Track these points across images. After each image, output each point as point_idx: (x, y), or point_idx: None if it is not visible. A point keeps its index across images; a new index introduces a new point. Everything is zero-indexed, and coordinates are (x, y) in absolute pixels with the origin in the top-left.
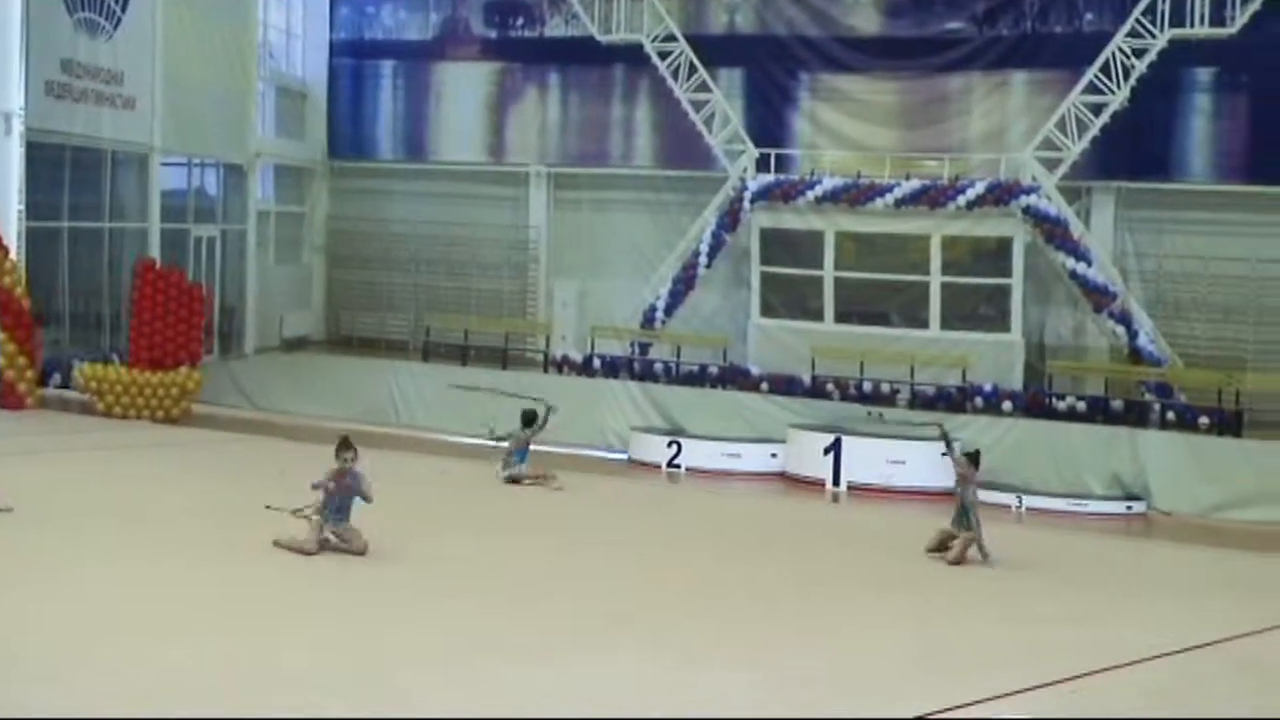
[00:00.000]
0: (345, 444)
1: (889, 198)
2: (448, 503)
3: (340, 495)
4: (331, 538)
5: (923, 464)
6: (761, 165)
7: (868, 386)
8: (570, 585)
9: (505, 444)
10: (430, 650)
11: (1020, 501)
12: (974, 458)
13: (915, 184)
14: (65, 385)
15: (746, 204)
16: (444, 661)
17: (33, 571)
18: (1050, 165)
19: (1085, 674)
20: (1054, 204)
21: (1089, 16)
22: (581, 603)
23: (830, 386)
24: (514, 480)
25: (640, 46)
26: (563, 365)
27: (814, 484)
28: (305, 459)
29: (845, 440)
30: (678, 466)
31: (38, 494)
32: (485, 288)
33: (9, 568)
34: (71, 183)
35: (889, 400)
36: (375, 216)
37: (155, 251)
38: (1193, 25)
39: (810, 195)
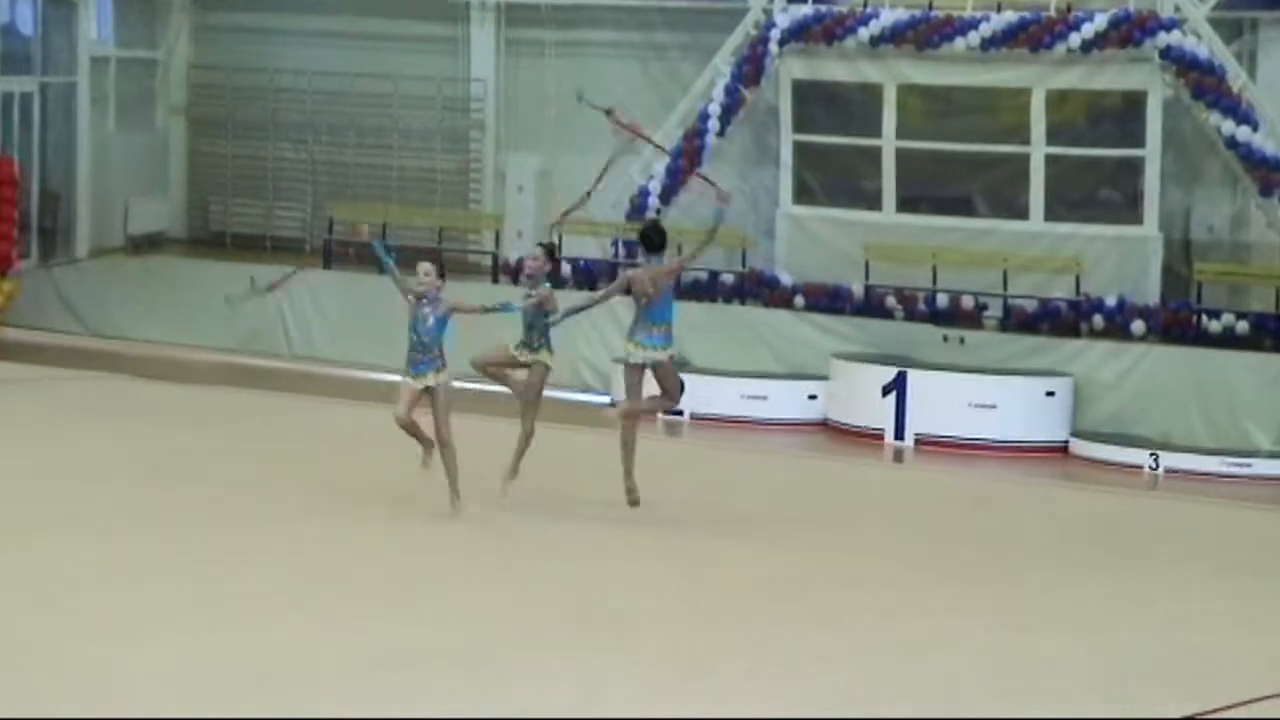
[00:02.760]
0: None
1: (973, 36)
2: (373, 466)
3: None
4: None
5: (1021, 407)
6: None
7: (942, 300)
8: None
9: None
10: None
11: (1156, 461)
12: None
13: (1010, 16)
14: None
15: (773, 47)
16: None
17: None
18: None
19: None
20: (1205, 44)
21: None
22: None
23: (891, 301)
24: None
25: None
26: (518, 272)
27: (868, 436)
28: (169, 403)
29: (912, 376)
30: (680, 414)
31: None
32: (410, 165)
33: None
34: None
35: (973, 319)
36: (256, 65)
37: None
38: None
39: (863, 33)
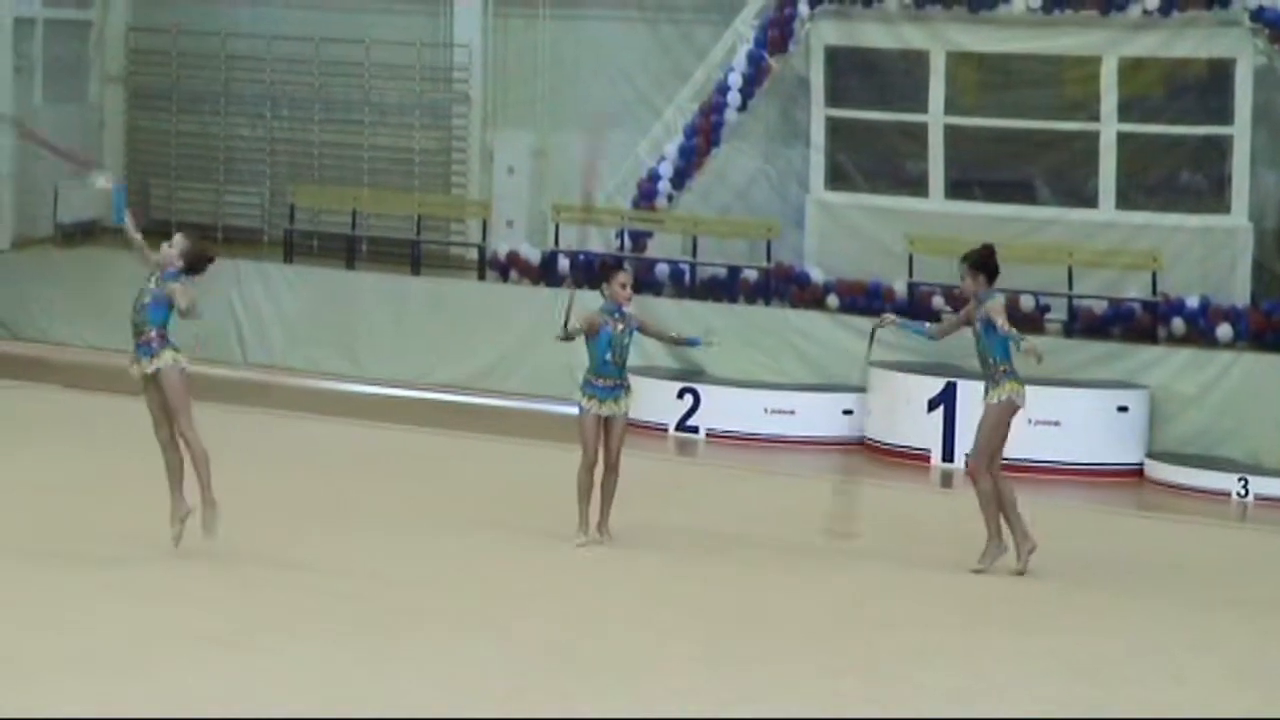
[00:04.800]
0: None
1: None
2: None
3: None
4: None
5: (1089, 424)
6: None
7: None
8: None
9: None
10: None
11: (1245, 487)
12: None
13: None
14: None
15: (803, 8)
16: None
17: None
18: None
19: None
20: None
21: None
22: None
23: (938, 300)
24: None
25: None
26: (509, 267)
27: (912, 457)
28: (103, 417)
29: (962, 388)
30: (694, 430)
31: None
32: (385, 144)
33: None
34: None
35: (1034, 321)
36: (206, 27)
37: None
38: None
39: None
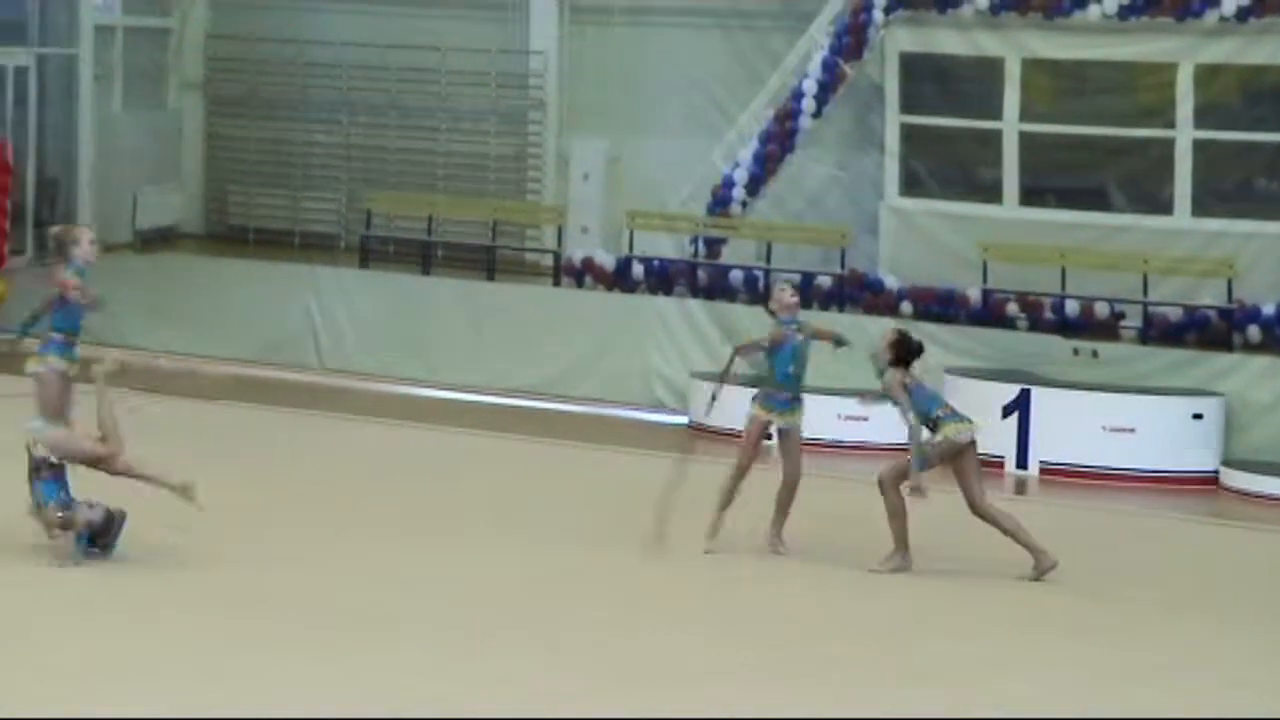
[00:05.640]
0: None
1: (1108, 3)
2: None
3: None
4: None
5: (1163, 431)
6: None
7: (1072, 308)
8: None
9: None
10: None
11: None
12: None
13: None
14: None
15: (878, 15)
16: None
17: None
18: None
19: None
20: None
21: None
22: None
23: (1012, 307)
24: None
25: None
26: (583, 273)
27: (986, 464)
28: (179, 422)
29: (1036, 394)
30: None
31: None
32: (460, 151)
33: None
34: None
35: (1108, 329)
36: (283, 35)
37: None
38: None
39: (981, 0)
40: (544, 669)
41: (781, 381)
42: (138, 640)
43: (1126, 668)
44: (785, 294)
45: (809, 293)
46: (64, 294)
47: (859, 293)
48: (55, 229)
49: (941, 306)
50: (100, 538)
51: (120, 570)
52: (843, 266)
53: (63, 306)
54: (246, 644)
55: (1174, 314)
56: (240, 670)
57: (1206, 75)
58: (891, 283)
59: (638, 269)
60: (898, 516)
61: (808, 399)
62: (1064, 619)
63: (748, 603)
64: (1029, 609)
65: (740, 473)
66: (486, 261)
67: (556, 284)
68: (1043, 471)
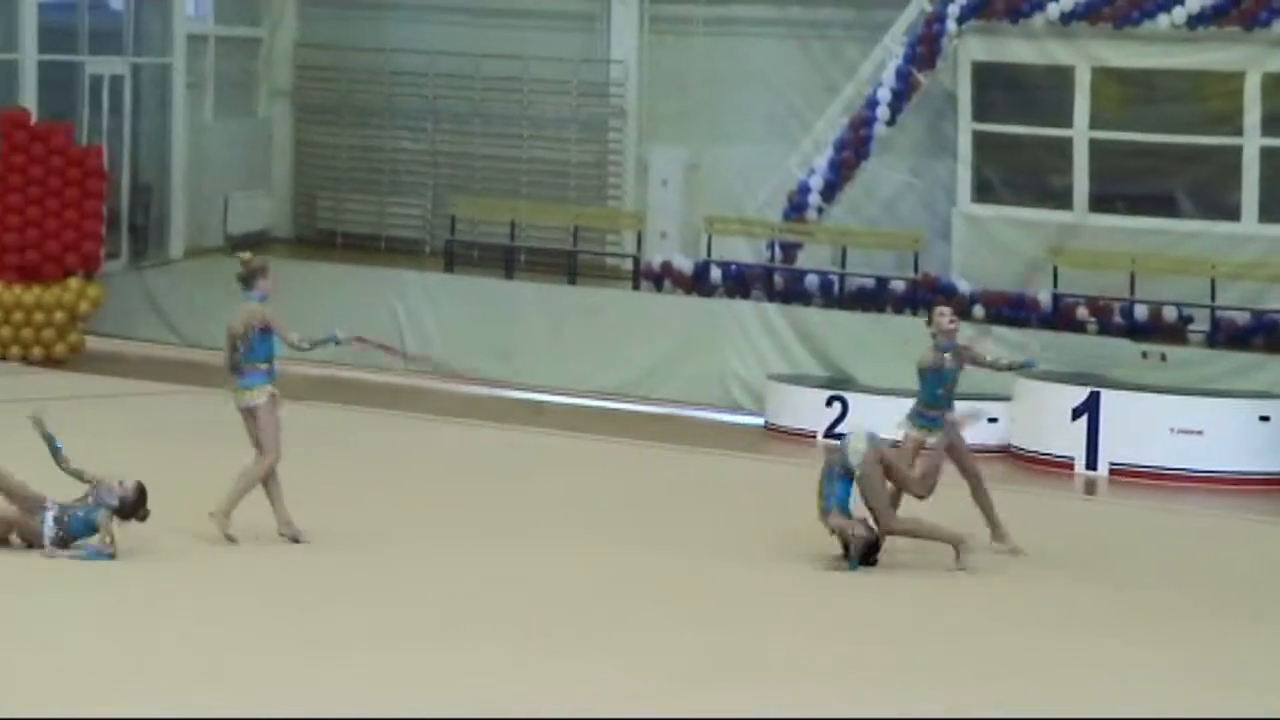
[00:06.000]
0: None
1: (1178, 12)
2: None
3: None
4: None
5: (1231, 433)
6: None
7: (1141, 312)
8: None
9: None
10: None
11: None
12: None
13: None
14: None
15: (950, 25)
16: None
17: None
18: None
19: None
20: None
21: None
22: None
23: (1082, 312)
24: None
25: None
26: (662, 277)
27: (1056, 465)
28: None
29: (1106, 397)
30: (842, 438)
31: None
32: (543, 157)
33: None
34: None
35: (1176, 333)
36: (370, 44)
37: (29, 99)
38: None
39: (1052, 9)
40: (619, 669)
41: (931, 402)
42: (223, 633)
43: (1212, 666)
44: (944, 319)
45: (883, 296)
46: (265, 327)
47: (931, 296)
48: (245, 258)
49: (1012, 310)
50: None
51: (211, 563)
52: (916, 271)
53: (263, 337)
54: (324, 641)
55: (1241, 318)
56: (319, 665)
57: (1273, 83)
58: (964, 287)
59: (715, 273)
60: (981, 495)
61: (889, 402)
62: (1144, 619)
63: (826, 603)
64: (1099, 604)
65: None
66: (568, 266)
67: (636, 288)
68: (1112, 472)
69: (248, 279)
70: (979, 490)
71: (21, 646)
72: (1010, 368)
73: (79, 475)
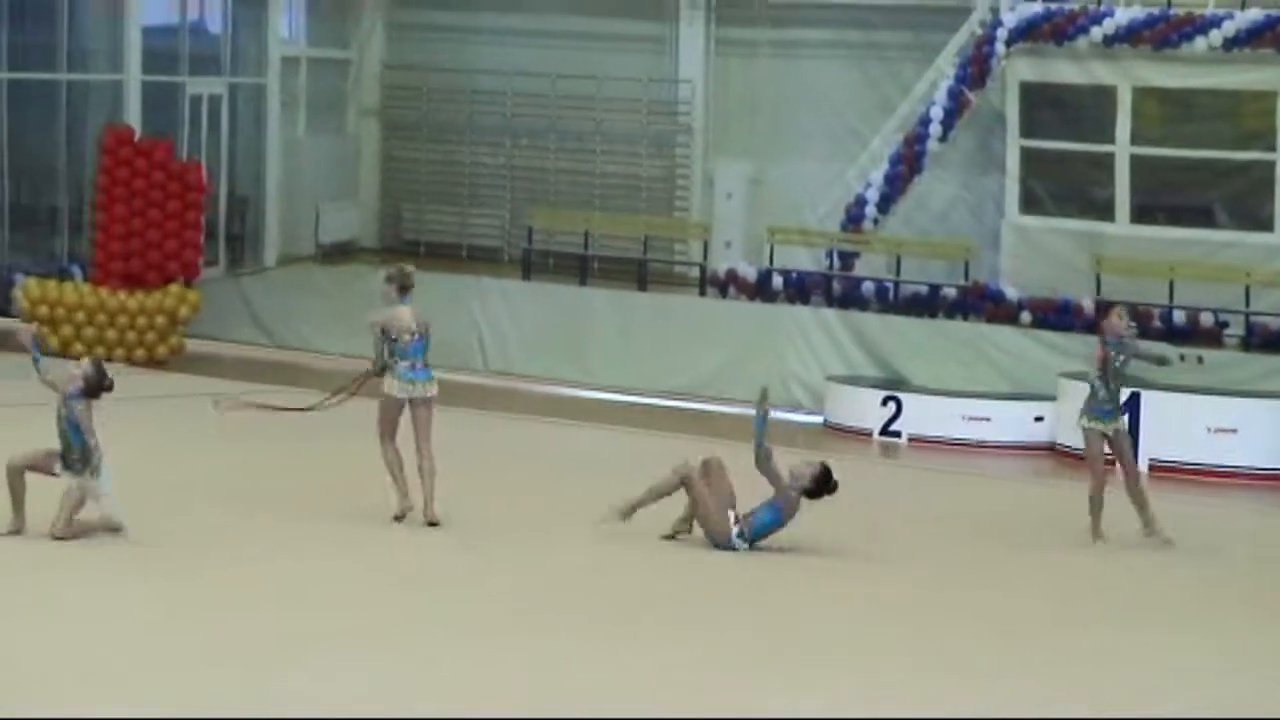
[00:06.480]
0: None
1: (1214, 35)
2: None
3: None
4: None
5: (1265, 431)
6: None
7: (1179, 317)
8: None
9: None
10: None
11: None
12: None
13: (1255, 14)
14: (3, 310)
15: (1000, 46)
16: None
17: None
18: None
19: None
20: None
21: None
22: None
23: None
24: None
25: None
26: (727, 284)
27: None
28: (358, 422)
29: (1146, 398)
30: (897, 435)
31: None
32: (614, 171)
33: None
34: (10, 16)
35: (1213, 337)
36: (453, 65)
37: (133, 117)
38: None
39: (1096, 32)
40: (692, 662)
41: (1104, 396)
42: (309, 616)
43: (1247, 658)
44: (1120, 324)
45: (936, 302)
46: (425, 332)
47: (981, 303)
48: (407, 270)
49: (1058, 316)
50: None
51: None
52: (966, 278)
53: (421, 340)
54: (403, 629)
55: (1274, 323)
56: (399, 654)
57: None
58: (1012, 294)
59: (777, 280)
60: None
61: (942, 401)
62: (1184, 609)
63: (898, 592)
64: (1137, 598)
65: (1098, 484)
66: (638, 273)
67: (702, 294)
68: (1152, 469)
69: (406, 287)
70: (1133, 483)
71: (63, 638)
72: (1162, 361)
73: (53, 386)
